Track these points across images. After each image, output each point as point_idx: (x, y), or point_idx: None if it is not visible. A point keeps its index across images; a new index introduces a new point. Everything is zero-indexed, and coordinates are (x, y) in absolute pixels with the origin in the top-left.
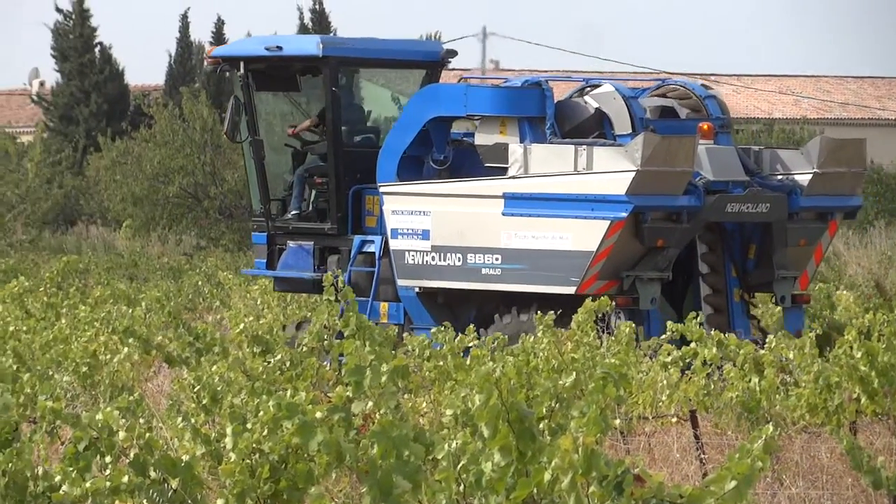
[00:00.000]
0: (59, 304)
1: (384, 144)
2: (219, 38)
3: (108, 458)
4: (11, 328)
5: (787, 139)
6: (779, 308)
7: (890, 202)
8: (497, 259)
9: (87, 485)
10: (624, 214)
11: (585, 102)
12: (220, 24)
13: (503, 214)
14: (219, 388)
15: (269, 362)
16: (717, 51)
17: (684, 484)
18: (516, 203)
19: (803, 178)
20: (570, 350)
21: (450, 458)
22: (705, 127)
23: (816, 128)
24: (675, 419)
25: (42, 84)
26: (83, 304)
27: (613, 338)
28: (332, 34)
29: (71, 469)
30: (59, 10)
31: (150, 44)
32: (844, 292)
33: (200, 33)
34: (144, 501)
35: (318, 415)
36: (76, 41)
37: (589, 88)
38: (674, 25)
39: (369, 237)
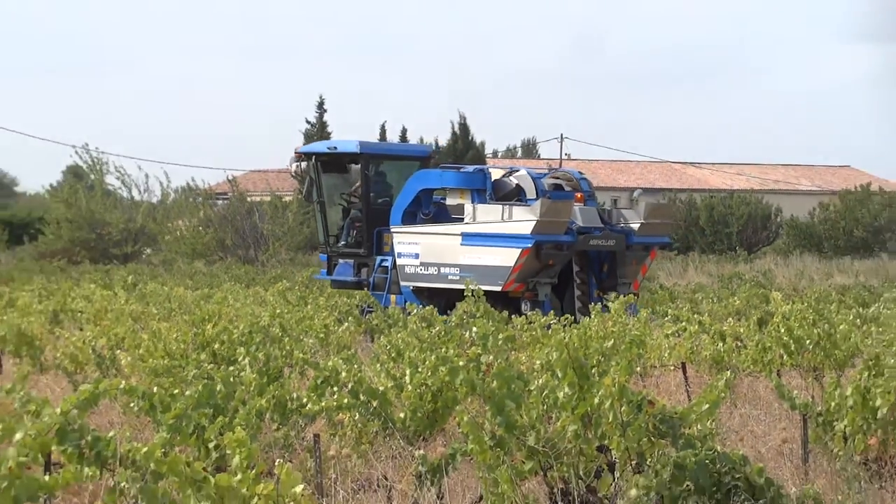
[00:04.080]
0: (307, 296)
1: (394, 204)
2: (382, 137)
3: (335, 388)
4: (278, 311)
5: (739, 203)
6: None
7: (802, 240)
8: (457, 270)
9: (322, 404)
10: (529, 245)
11: (510, 180)
12: (403, 131)
13: (461, 244)
14: (401, 347)
15: (431, 331)
16: (703, 145)
17: (678, 406)
18: (468, 238)
19: (635, 226)
20: (611, 326)
21: (538, 389)
22: (579, 196)
23: (760, 195)
24: (672, 368)
25: (298, 165)
26: (321, 296)
27: (636, 319)
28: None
29: (313, 395)
30: (308, 122)
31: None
32: (775, 293)
33: (390, 136)
34: (357, 414)
35: (461, 363)
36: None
37: (506, 173)
38: (679, 123)
39: (385, 257)
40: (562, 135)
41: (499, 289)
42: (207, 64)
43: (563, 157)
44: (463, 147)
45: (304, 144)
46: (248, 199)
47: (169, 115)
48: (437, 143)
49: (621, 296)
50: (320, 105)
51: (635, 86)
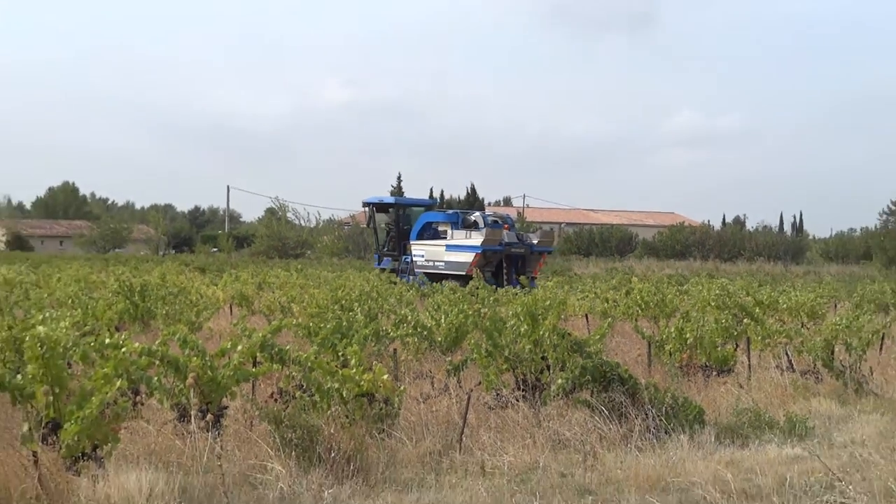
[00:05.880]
0: (391, 277)
1: (412, 229)
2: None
3: (405, 325)
4: (375, 284)
5: (616, 231)
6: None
7: (648, 251)
8: (443, 264)
9: (398, 332)
10: (480, 251)
11: (470, 218)
12: (441, 193)
13: (445, 251)
14: (440, 303)
15: (455, 295)
16: (599, 197)
17: (584, 336)
18: (449, 247)
19: (535, 241)
20: (548, 293)
21: (511, 327)
22: (506, 226)
23: (626, 227)
24: (580, 316)
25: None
26: (398, 277)
27: (562, 289)
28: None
29: (394, 328)
30: (392, 186)
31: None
32: (634, 278)
33: (436, 195)
34: (416, 338)
35: (470, 312)
36: (396, 194)
37: (468, 213)
38: (588, 184)
39: (407, 257)
40: (524, 194)
41: (463, 273)
42: (337, 152)
43: (525, 206)
44: (473, 200)
45: (371, 196)
46: (361, 226)
47: (319, 179)
48: (458, 199)
49: (529, 279)
50: (399, 178)
51: (565, 164)
